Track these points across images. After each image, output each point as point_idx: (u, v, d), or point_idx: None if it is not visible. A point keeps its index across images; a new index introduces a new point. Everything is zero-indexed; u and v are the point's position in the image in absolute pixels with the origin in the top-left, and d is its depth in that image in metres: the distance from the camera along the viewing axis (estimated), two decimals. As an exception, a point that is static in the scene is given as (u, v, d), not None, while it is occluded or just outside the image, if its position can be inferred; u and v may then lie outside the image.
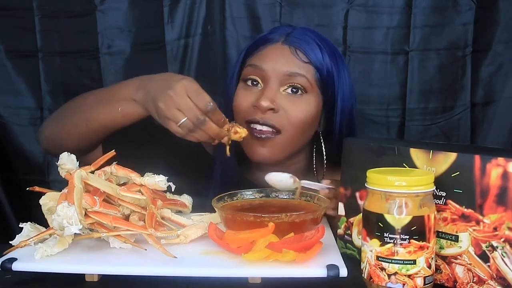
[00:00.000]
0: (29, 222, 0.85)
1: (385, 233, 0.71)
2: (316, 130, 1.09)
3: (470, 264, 0.73)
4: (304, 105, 1.03)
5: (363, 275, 0.75)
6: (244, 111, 1.04)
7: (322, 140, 1.10)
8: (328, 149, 1.10)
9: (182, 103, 0.90)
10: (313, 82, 1.03)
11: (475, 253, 0.73)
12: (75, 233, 0.76)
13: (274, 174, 0.96)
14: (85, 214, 0.79)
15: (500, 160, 0.70)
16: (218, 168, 1.12)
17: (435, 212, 0.73)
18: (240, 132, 0.98)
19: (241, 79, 1.08)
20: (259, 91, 1.03)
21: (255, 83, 1.05)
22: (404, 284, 0.71)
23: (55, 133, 1.08)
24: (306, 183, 0.94)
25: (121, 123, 1.02)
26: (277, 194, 0.98)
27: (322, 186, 0.93)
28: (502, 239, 0.71)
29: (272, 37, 1.06)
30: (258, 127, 1.03)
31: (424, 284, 0.71)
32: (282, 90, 1.03)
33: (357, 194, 0.86)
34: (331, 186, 0.91)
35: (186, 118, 0.90)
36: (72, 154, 0.90)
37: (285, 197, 0.98)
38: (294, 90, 1.03)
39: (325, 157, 1.10)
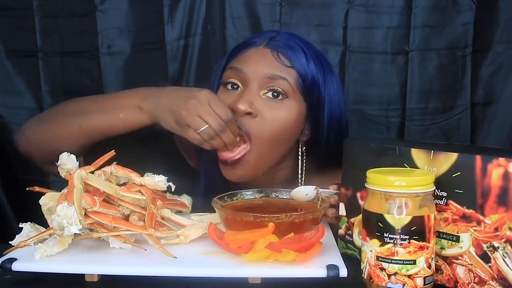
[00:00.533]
0: (29, 222, 0.85)
1: (385, 233, 0.71)
2: (298, 139, 1.06)
3: (471, 264, 0.73)
4: (284, 111, 1.00)
5: (363, 275, 0.75)
6: None
7: (304, 150, 1.06)
8: (312, 158, 1.08)
9: (206, 111, 0.92)
10: (295, 87, 0.99)
11: (476, 254, 0.73)
12: (75, 233, 0.76)
13: (300, 188, 0.94)
14: (85, 214, 0.79)
15: (501, 160, 0.70)
16: (203, 179, 1.09)
17: (435, 212, 0.73)
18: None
19: (221, 83, 1.05)
20: (238, 94, 1.00)
21: (235, 86, 1.02)
22: (404, 284, 0.71)
23: (40, 134, 1.05)
24: (321, 191, 0.94)
25: (118, 130, 1.01)
26: (277, 194, 0.98)
27: (331, 192, 0.92)
28: (503, 240, 0.70)
29: (254, 41, 1.04)
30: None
31: (424, 284, 0.71)
32: (262, 94, 1.00)
33: (358, 195, 0.86)
34: (338, 191, 0.91)
35: (207, 125, 0.92)
36: (72, 154, 0.90)
37: (285, 197, 0.98)
38: (275, 94, 0.99)
39: (304, 167, 1.07)
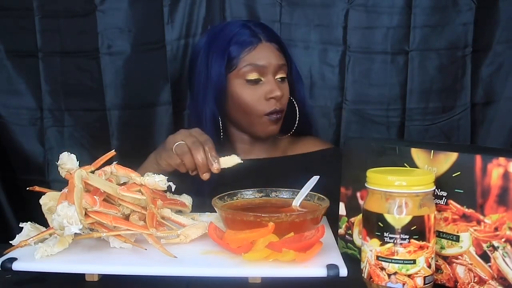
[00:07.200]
0: (29, 222, 0.85)
1: (385, 233, 0.71)
2: None
3: (471, 264, 0.73)
4: (288, 86, 1.25)
5: (363, 275, 0.75)
6: (259, 104, 1.20)
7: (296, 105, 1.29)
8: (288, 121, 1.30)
9: (185, 134, 1.02)
10: (287, 66, 1.26)
11: (476, 253, 0.73)
12: (75, 233, 0.76)
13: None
14: (85, 214, 0.79)
15: (501, 160, 0.70)
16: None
17: (435, 212, 0.73)
18: None
19: (242, 78, 1.20)
20: (262, 84, 1.21)
21: (257, 80, 1.20)
22: (404, 284, 0.71)
23: None
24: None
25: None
26: (277, 194, 0.98)
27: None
28: (503, 239, 0.71)
29: (254, 39, 1.21)
30: (275, 115, 1.21)
31: (424, 283, 0.71)
32: (276, 78, 1.22)
33: (358, 194, 0.86)
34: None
35: (183, 142, 1.00)
36: (72, 154, 0.90)
37: (285, 196, 0.98)
38: (284, 78, 1.24)
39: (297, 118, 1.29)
